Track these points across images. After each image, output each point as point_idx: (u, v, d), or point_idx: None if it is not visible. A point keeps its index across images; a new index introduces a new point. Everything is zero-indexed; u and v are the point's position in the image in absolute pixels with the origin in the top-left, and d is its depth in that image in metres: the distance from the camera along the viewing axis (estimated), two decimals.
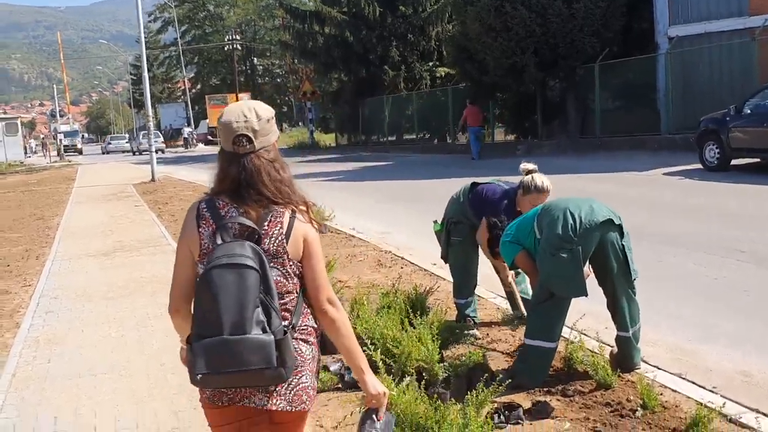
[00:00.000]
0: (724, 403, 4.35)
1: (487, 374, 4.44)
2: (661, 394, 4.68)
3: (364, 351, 3.04)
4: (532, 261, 5.18)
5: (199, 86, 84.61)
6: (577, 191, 6.05)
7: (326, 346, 5.76)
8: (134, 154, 59.92)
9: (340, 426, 4.56)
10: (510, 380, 4.45)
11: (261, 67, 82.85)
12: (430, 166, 24.38)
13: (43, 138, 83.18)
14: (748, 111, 15.84)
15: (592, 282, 5.09)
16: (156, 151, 29.95)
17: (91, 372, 5.99)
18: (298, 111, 56.22)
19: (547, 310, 4.99)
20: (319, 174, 23.47)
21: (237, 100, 56.74)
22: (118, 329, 7.21)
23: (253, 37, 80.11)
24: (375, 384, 2.73)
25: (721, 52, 22.13)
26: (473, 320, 6.31)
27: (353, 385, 5.01)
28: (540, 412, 4.50)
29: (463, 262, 6.35)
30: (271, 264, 2.51)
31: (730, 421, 4.29)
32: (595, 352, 5.12)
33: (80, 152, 68.68)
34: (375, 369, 4.64)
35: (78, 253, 11.83)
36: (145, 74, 27.82)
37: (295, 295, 2.60)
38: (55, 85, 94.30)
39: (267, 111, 2.64)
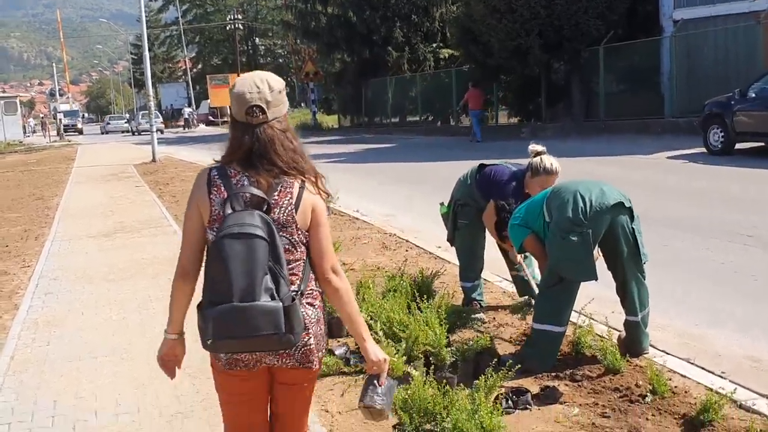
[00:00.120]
0: (735, 389, 4.27)
1: (495, 359, 4.37)
2: (670, 380, 4.62)
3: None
4: (540, 244, 5.09)
5: (200, 66, 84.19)
6: (581, 174, 5.97)
7: (331, 330, 5.71)
8: (133, 134, 60.01)
9: (346, 411, 4.50)
10: (519, 365, 4.36)
11: (263, 48, 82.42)
12: (434, 149, 24.26)
13: (42, 117, 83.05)
14: (753, 95, 15.74)
15: (599, 266, 5.00)
16: (156, 130, 29.79)
17: (92, 355, 5.91)
18: (301, 92, 56.03)
19: (556, 294, 4.91)
20: (321, 155, 23.34)
21: None
22: (119, 311, 7.14)
23: (255, 17, 79.70)
24: (376, 351, 2.80)
25: (726, 36, 22.01)
26: (480, 304, 6.24)
27: (359, 370, 4.94)
28: (548, 397, 4.44)
29: (469, 245, 6.25)
30: (280, 233, 2.57)
31: (741, 407, 4.22)
32: (603, 337, 5.05)
33: (80, 132, 68.63)
34: (377, 339, 4.59)
35: (78, 234, 11.75)
36: (146, 54, 27.62)
37: (302, 261, 2.66)
38: (54, 64, 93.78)
39: (278, 82, 2.69)
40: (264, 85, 2.63)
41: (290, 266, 2.61)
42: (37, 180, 22.32)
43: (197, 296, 2.80)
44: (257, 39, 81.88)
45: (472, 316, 5.84)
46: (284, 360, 2.67)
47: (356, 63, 40.30)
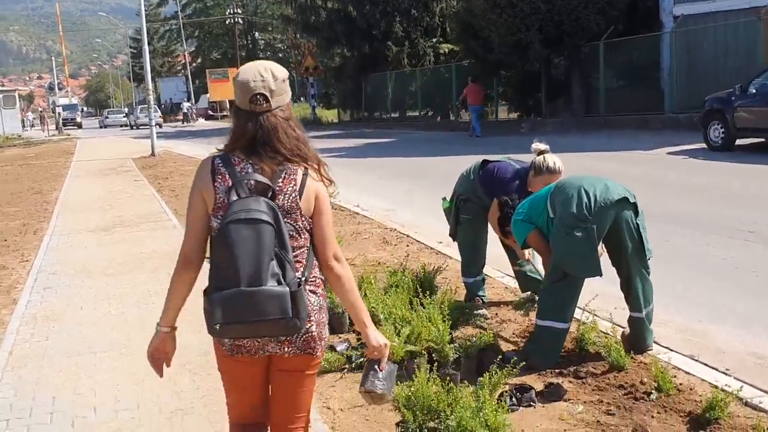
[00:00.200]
0: (741, 387, 4.23)
1: (500, 356, 4.33)
2: (675, 377, 4.58)
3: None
4: (544, 240, 5.04)
5: (199, 60, 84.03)
6: (581, 169, 5.91)
7: (332, 325, 5.67)
8: (131, 128, 60.19)
9: (348, 408, 4.46)
10: (524, 362, 4.31)
11: (262, 42, 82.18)
12: (434, 143, 24.21)
13: (41, 111, 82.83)
14: (754, 91, 15.72)
15: (603, 261, 4.96)
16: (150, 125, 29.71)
17: (91, 350, 5.87)
18: (300, 86, 55.89)
19: (559, 290, 4.87)
20: (321, 150, 22.66)
21: None
22: (118, 306, 7.09)
23: (255, 11, 79.52)
24: (377, 336, 2.83)
25: (726, 31, 21.96)
26: (482, 300, 6.19)
27: (361, 366, 4.90)
28: (552, 394, 4.39)
29: (472, 240, 6.21)
30: (285, 219, 2.59)
31: (747, 404, 4.19)
32: (607, 334, 5.00)
33: (80, 126, 68.55)
34: (377, 322, 4.54)
35: (77, 228, 11.70)
36: (146, 47, 27.52)
37: (306, 248, 2.68)
38: (54, 58, 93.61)
39: (282, 71, 2.70)
40: (268, 74, 2.65)
41: (294, 253, 2.63)
42: (35, 174, 22.26)
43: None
44: (257, 33, 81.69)
45: (475, 312, 5.80)
46: (286, 348, 2.69)
47: (356, 58, 40.23)
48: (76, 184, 18.46)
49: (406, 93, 38.26)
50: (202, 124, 60.48)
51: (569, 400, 4.38)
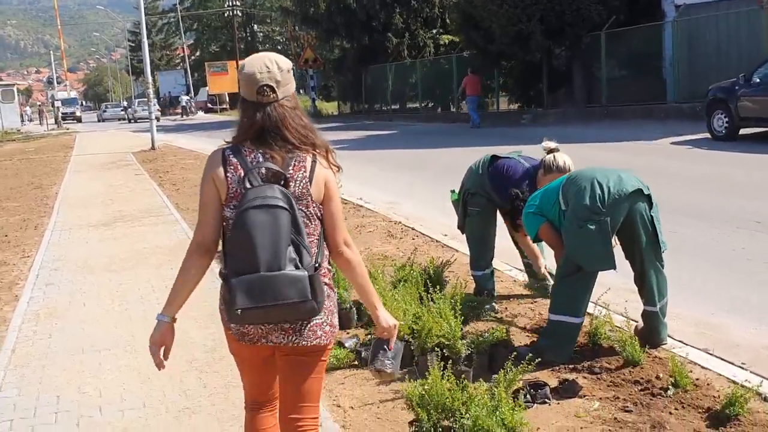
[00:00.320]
0: (761, 382, 4.14)
1: (514, 352, 4.24)
2: (691, 372, 4.48)
3: None
4: (556, 233, 4.94)
5: (198, 53, 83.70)
6: (584, 160, 5.81)
7: (340, 320, 5.58)
8: (129, 121, 60.43)
9: (358, 406, 4.37)
10: (540, 359, 4.22)
11: (261, 34, 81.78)
12: (434, 135, 24.10)
13: (39, 105, 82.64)
14: (757, 80, 15.60)
15: (616, 254, 4.86)
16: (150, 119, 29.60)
17: (95, 348, 5.78)
18: (300, 79, 55.69)
19: (572, 284, 4.77)
20: None
21: (237, 67, 56.51)
22: (121, 303, 7.00)
23: (254, 3, 79.05)
24: (387, 318, 2.90)
25: (728, 21, 21.81)
26: (491, 293, 6.11)
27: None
28: (567, 390, 4.30)
29: (480, 233, 6.11)
30: (297, 206, 2.62)
31: (766, 400, 4.09)
32: (621, 328, 4.91)
33: (79, 120, 68.51)
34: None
35: (78, 223, 11.61)
36: (145, 41, 27.37)
37: (317, 236, 2.71)
38: (52, 52, 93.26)
39: (286, 62, 2.74)
40: (273, 65, 2.68)
41: (308, 240, 2.66)
42: (35, 168, 22.15)
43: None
44: (255, 26, 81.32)
45: (485, 306, 5.72)
46: (290, 337, 2.72)
47: (356, 49, 40.04)
48: (77, 179, 18.35)
49: (406, 85, 38.08)
50: (201, 117, 60.38)
51: (584, 396, 4.29)
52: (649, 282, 4.86)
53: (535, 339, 5.13)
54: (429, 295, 5.05)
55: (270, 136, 2.66)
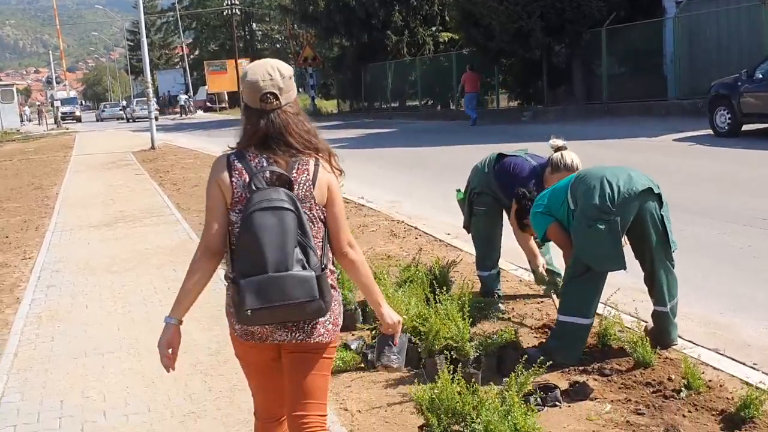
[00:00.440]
0: None
1: (524, 355, 4.17)
2: (703, 373, 4.41)
3: None
4: (565, 233, 4.87)
5: (197, 52, 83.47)
6: (586, 158, 5.71)
7: (344, 322, 5.51)
8: (128, 120, 60.78)
9: (366, 410, 4.31)
10: (551, 362, 4.15)
11: (260, 33, 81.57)
12: (434, 133, 24.03)
13: (38, 105, 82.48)
14: (760, 76, 15.51)
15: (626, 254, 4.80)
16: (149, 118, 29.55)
17: (98, 351, 5.71)
18: (299, 77, 55.62)
19: (582, 285, 4.70)
20: None
21: (236, 66, 56.39)
22: (123, 305, 6.93)
23: (252, 2, 78.83)
24: (391, 314, 2.96)
25: (729, 16, 21.73)
26: (497, 294, 6.04)
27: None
28: (578, 393, 4.23)
29: (486, 233, 6.05)
30: (301, 208, 2.67)
31: None
32: (631, 329, 4.84)
33: (79, 120, 68.51)
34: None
35: (79, 224, 11.55)
36: (144, 40, 27.34)
37: (320, 238, 2.75)
38: (51, 52, 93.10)
39: (288, 69, 2.80)
40: (275, 72, 2.73)
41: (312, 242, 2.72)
42: (35, 169, 22.09)
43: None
44: (254, 24, 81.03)
45: (492, 307, 5.65)
46: (294, 334, 2.76)
47: (355, 47, 39.92)
48: (77, 179, 18.29)
49: (405, 82, 37.99)
50: (200, 116, 60.29)
51: (596, 398, 4.22)
52: (659, 282, 4.80)
53: (543, 340, 5.07)
54: (435, 296, 4.98)
55: (274, 141, 2.71)
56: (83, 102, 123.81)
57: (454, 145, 19.16)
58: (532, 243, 5.77)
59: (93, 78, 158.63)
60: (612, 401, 4.18)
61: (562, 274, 5.34)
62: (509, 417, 3.41)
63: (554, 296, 5.50)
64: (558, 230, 4.90)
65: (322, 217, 2.76)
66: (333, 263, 2.86)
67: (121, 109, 69.00)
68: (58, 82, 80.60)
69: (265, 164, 2.70)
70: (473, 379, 3.87)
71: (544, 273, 5.82)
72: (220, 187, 2.73)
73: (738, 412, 3.83)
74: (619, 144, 16.55)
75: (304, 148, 2.74)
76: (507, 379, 3.84)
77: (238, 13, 72.12)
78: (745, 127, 16.06)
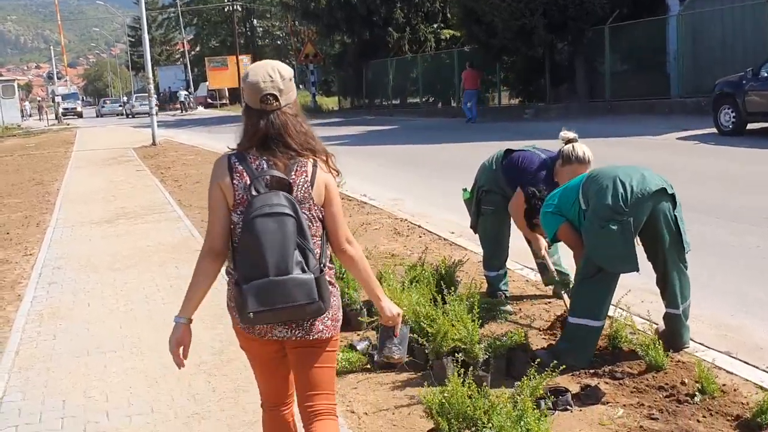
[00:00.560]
0: None
1: (536, 358, 4.09)
2: (717, 377, 4.32)
3: None
4: (576, 234, 4.78)
5: (198, 48, 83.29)
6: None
7: (350, 321, 5.45)
8: (127, 116, 61.35)
9: (373, 412, 4.23)
10: (564, 366, 4.06)
11: (261, 29, 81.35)
12: (435, 131, 23.93)
13: (39, 101, 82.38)
14: (765, 74, 15.41)
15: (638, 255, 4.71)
16: (148, 114, 29.46)
17: (100, 350, 5.63)
18: (300, 74, 55.54)
19: (593, 287, 4.62)
20: (322, 138, 22.79)
21: (237, 62, 56.30)
22: (126, 303, 6.85)
23: None
24: (391, 307, 3.03)
25: (733, 14, 21.63)
26: (504, 294, 5.96)
27: (383, 366, 4.67)
28: (590, 397, 4.15)
29: (494, 233, 5.96)
30: (300, 209, 2.73)
31: None
32: (642, 331, 4.76)
33: (80, 115, 68.48)
34: None
35: (80, 220, 11.47)
36: (145, 36, 27.20)
37: (319, 237, 2.82)
38: (52, 47, 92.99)
39: (288, 70, 2.85)
40: (276, 74, 2.79)
41: (311, 241, 2.78)
42: (36, 164, 22.00)
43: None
44: (255, 20, 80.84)
45: (500, 308, 5.57)
46: (293, 332, 2.83)
47: (356, 44, 39.84)
48: (78, 175, 18.21)
49: (407, 80, 37.89)
50: (201, 112, 60.24)
51: (607, 403, 4.14)
52: (672, 284, 4.72)
53: (553, 342, 4.99)
54: (442, 297, 4.89)
55: (273, 142, 2.77)
56: (84, 98, 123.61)
57: (455, 142, 19.08)
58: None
59: (94, 74, 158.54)
60: (624, 405, 4.10)
61: (571, 275, 5.26)
62: (522, 422, 3.33)
63: (565, 296, 5.43)
64: (569, 230, 4.82)
65: (320, 216, 2.83)
66: (331, 259, 2.94)
67: (120, 105, 69.17)
68: (59, 78, 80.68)
69: (265, 167, 2.76)
70: (484, 383, 3.78)
71: (546, 256, 5.74)
72: (222, 189, 2.79)
73: (754, 417, 3.74)
74: (622, 142, 16.44)
75: (301, 150, 2.80)
76: (518, 382, 3.76)
77: (240, 9, 72.06)
78: (749, 126, 15.98)
